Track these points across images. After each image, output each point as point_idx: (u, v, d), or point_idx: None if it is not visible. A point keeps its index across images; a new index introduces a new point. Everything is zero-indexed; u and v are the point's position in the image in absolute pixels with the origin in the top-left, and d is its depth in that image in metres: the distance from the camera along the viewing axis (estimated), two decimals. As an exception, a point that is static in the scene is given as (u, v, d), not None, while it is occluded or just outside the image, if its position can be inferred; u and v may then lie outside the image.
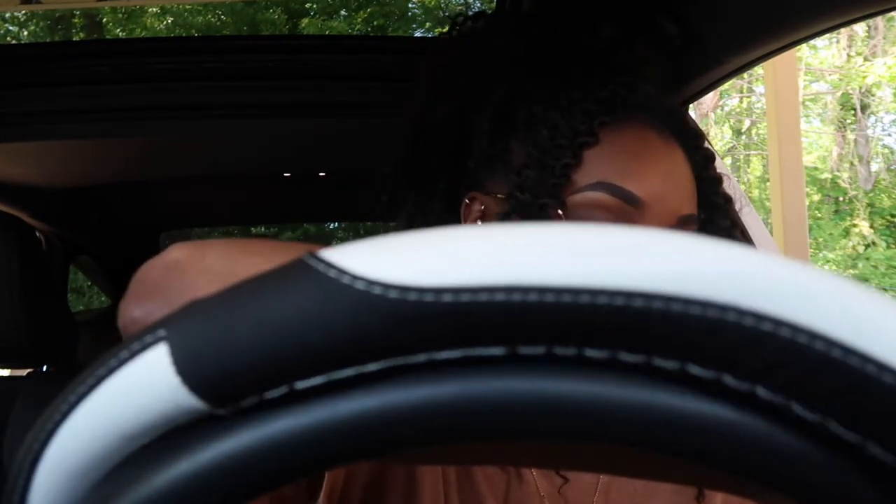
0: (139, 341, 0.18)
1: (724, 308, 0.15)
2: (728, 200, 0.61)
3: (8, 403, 1.10)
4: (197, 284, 0.30)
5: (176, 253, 0.31)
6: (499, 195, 0.59)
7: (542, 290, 0.15)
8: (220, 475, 0.17)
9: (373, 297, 0.16)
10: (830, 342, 0.14)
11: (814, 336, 0.14)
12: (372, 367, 0.17)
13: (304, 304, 0.17)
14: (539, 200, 0.53)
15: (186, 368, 0.17)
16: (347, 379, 0.17)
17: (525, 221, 0.54)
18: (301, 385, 0.17)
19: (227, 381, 0.17)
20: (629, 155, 0.54)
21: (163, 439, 0.18)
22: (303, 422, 0.17)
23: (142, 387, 0.18)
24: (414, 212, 0.66)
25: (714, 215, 0.58)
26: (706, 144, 0.58)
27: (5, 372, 1.27)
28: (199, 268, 0.30)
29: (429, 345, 0.16)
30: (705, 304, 0.15)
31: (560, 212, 0.53)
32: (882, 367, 0.14)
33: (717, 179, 0.59)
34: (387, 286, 0.16)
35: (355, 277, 0.16)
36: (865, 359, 0.14)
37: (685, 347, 0.15)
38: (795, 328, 0.15)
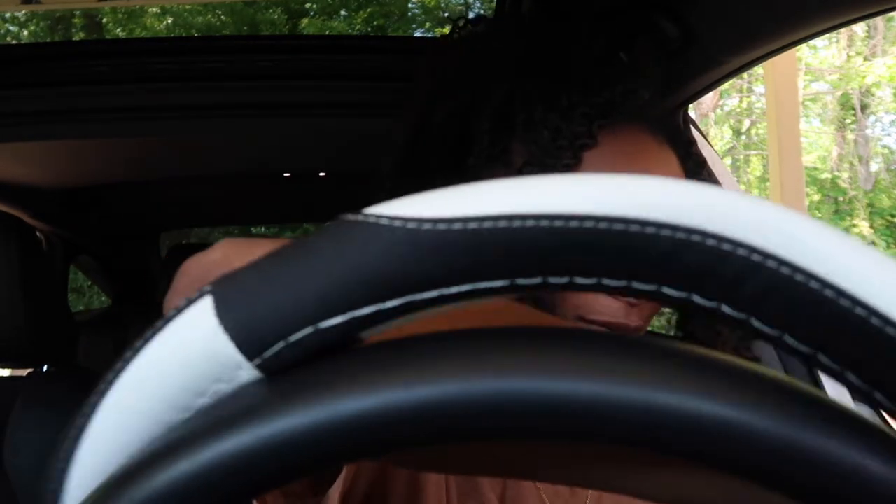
0: (187, 300, 0.19)
1: (689, 231, 0.17)
2: None
3: (8, 403, 1.10)
4: None
5: (224, 249, 0.32)
6: None
7: (537, 217, 0.17)
8: (220, 475, 0.18)
9: (392, 230, 0.18)
10: (783, 262, 0.17)
11: (768, 256, 0.17)
12: (390, 304, 0.18)
13: (330, 245, 0.18)
14: None
15: (224, 313, 0.19)
16: (367, 317, 0.18)
17: None
18: (324, 324, 0.18)
19: (256, 321, 0.18)
20: (626, 157, 0.56)
21: (196, 417, 0.19)
22: (303, 421, 0.18)
23: (184, 338, 0.19)
24: None
25: None
26: (697, 150, 0.60)
27: (5, 372, 1.27)
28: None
29: (441, 278, 0.18)
30: (674, 228, 0.17)
31: None
32: (824, 283, 0.16)
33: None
34: (405, 219, 0.18)
35: (379, 216, 0.18)
36: (810, 276, 0.17)
37: (659, 269, 0.17)
38: (753, 249, 0.17)
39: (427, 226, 0.18)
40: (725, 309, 0.17)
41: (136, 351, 0.20)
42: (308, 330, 0.18)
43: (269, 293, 0.18)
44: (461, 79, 0.64)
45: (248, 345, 0.19)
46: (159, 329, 0.20)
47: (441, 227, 0.18)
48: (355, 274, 0.18)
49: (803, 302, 0.16)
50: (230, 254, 0.31)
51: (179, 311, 0.19)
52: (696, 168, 0.61)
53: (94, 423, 0.20)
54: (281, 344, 0.18)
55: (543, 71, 0.60)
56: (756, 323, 0.17)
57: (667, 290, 0.17)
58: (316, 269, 0.18)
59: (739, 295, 0.17)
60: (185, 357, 0.19)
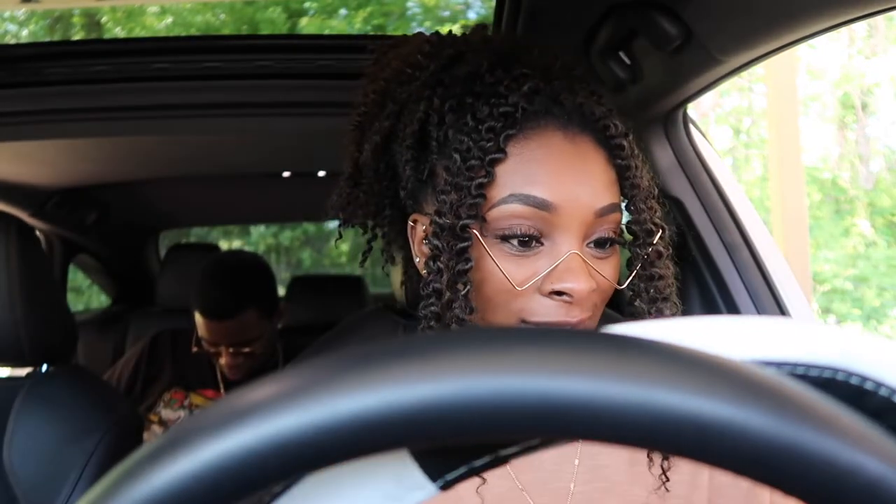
0: None
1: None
2: (651, 180, 0.62)
3: (8, 403, 1.10)
4: None
5: None
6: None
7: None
8: (220, 474, 0.18)
9: None
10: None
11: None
12: None
13: None
14: (460, 221, 0.56)
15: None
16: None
17: (450, 241, 0.56)
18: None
19: (445, 452, 0.22)
20: (536, 163, 0.56)
21: None
22: (303, 421, 0.18)
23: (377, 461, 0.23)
24: (380, 238, 0.70)
25: (634, 198, 0.60)
26: (616, 132, 0.59)
27: (5, 372, 1.27)
28: None
29: None
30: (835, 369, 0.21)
31: (481, 227, 0.56)
32: None
33: (627, 167, 0.59)
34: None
35: None
36: None
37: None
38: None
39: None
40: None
41: None
42: (489, 457, 0.22)
43: None
44: (380, 111, 0.64)
45: (435, 470, 0.22)
46: None
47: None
48: None
49: None
50: None
51: None
52: (616, 150, 0.59)
53: None
54: (464, 468, 0.22)
55: (453, 89, 0.60)
56: None
57: None
58: None
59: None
60: (375, 474, 0.22)
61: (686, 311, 1.18)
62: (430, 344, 0.19)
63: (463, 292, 0.56)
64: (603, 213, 0.57)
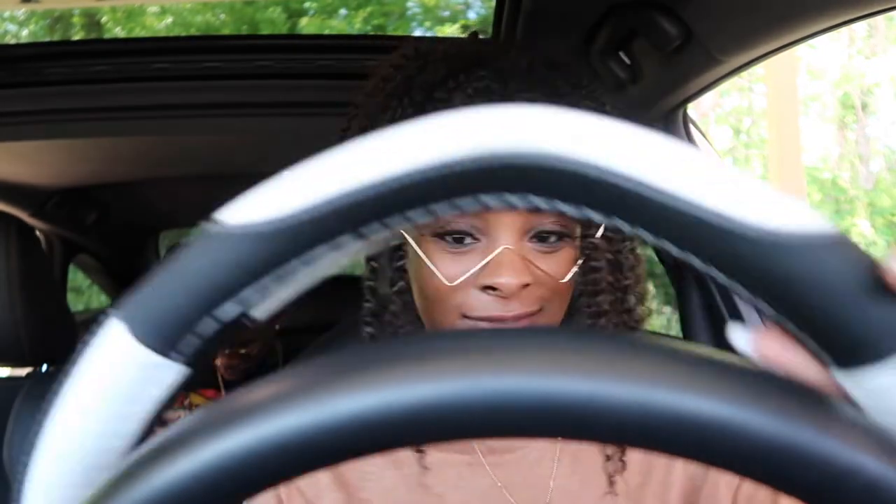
0: (98, 326, 0.22)
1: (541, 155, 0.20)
2: None
3: (8, 403, 1.10)
4: None
5: None
6: None
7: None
8: (220, 474, 0.18)
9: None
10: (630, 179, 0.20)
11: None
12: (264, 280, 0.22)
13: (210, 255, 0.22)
14: None
15: (134, 328, 0.22)
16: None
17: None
18: (218, 312, 0.21)
19: (162, 325, 0.21)
20: None
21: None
22: (303, 421, 0.18)
23: (106, 358, 0.22)
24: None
25: None
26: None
27: (5, 372, 1.27)
28: None
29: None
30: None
31: (419, 226, 0.57)
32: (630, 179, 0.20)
33: None
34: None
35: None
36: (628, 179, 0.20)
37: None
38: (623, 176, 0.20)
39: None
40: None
41: (69, 375, 0.22)
42: (208, 320, 0.21)
43: (163, 300, 0.21)
44: (357, 121, 0.65)
45: (162, 345, 0.21)
46: (81, 352, 0.22)
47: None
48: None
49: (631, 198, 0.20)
50: None
51: (93, 335, 0.22)
52: None
53: (45, 436, 0.22)
54: (191, 337, 0.22)
55: (416, 97, 0.59)
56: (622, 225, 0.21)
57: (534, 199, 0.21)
58: (192, 271, 0.21)
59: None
60: (111, 373, 0.22)
61: (686, 311, 1.18)
62: (430, 344, 0.19)
63: (395, 289, 0.58)
64: None
